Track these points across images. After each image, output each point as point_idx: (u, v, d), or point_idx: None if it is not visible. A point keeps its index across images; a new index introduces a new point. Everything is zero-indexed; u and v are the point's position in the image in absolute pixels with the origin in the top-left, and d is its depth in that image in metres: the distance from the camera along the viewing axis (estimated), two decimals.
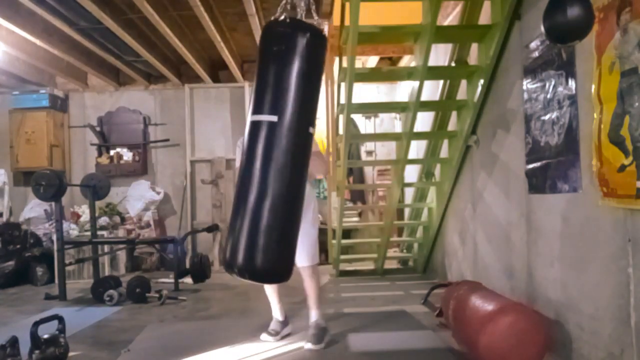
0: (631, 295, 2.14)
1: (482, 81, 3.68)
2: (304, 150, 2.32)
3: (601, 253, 2.36)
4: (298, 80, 2.24)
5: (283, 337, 3.22)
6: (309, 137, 2.33)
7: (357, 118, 7.01)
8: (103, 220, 6.37)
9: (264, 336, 3.21)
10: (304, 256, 3.02)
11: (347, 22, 3.52)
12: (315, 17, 2.56)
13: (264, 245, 2.18)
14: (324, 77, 2.73)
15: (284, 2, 2.46)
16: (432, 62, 3.84)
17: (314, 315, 3.18)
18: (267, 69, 2.29)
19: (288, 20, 2.34)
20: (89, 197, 5.46)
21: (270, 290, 3.30)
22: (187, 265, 5.40)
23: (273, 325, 3.27)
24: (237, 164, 3.00)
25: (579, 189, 2.54)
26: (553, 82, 2.78)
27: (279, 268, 2.27)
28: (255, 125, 2.25)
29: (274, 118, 2.22)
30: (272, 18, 2.43)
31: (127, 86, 7.27)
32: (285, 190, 2.22)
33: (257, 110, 2.26)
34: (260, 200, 2.19)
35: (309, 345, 3.00)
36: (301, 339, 3.21)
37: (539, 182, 2.98)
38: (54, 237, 5.08)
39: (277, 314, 3.31)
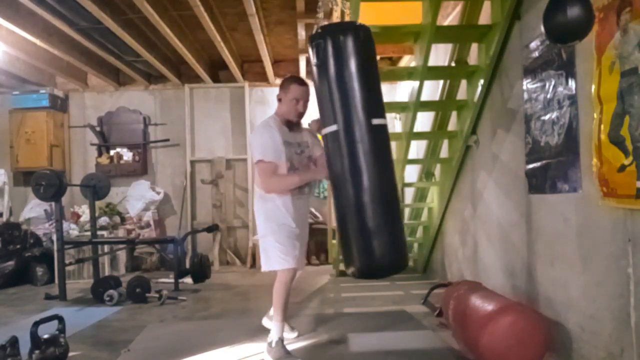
0: (631, 295, 2.14)
1: (482, 81, 3.68)
2: (385, 143, 2.51)
3: (601, 253, 2.36)
4: (357, 79, 2.40)
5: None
6: (385, 128, 2.51)
7: None
8: (103, 220, 6.37)
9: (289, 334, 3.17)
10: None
11: None
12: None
13: (377, 241, 2.38)
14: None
15: (319, 14, 2.59)
16: (432, 62, 3.84)
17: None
18: (341, 77, 2.41)
19: (319, 30, 2.49)
20: (89, 197, 5.46)
21: (284, 304, 2.91)
22: (187, 265, 5.41)
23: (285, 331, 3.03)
24: (270, 156, 2.79)
25: (579, 189, 2.54)
26: (553, 82, 2.78)
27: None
28: (334, 135, 2.43)
29: (334, 127, 2.41)
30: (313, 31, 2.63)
31: (127, 86, 7.27)
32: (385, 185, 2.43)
33: (333, 119, 2.43)
34: (362, 200, 2.38)
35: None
36: (300, 339, 3.22)
37: (539, 182, 2.98)
38: (54, 237, 5.08)
39: (281, 333, 2.91)
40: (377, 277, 2.77)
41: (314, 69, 2.49)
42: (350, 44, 2.40)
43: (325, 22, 2.54)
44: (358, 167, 2.38)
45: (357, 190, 2.38)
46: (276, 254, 2.85)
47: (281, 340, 2.86)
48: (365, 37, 2.47)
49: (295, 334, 3.26)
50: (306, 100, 2.90)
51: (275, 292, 2.88)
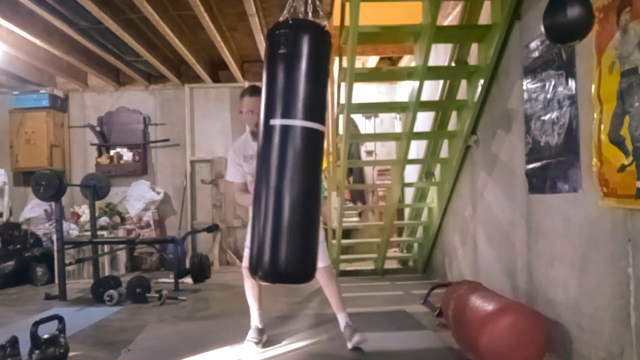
0: (631, 295, 2.14)
1: (482, 81, 3.68)
2: (317, 150, 2.36)
3: (601, 253, 2.36)
4: (305, 81, 2.27)
5: (264, 345, 3.08)
6: (322, 136, 2.38)
7: (357, 118, 7.01)
8: (103, 220, 6.37)
9: (247, 345, 3.04)
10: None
11: (347, 22, 3.52)
12: (320, 14, 2.57)
13: (286, 247, 2.22)
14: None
15: (289, 3, 2.45)
16: (432, 62, 3.84)
17: (342, 318, 3.04)
18: (274, 73, 2.31)
19: (290, 21, 2.34)
20: (89, 197, 5.46)
21: (252, 294, 3.14)
22: (187, 265, 5.41)
23: (253, 334, 3.08)
24: (230, 177, 3.11)
25: (579, 189, 2.54)
26: (553, 82, 2.78)
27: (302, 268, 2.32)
28: (269, 130, 2.29)
29: (287, 122, 2.25)
30: (278, 20, 2.43)
31: (127, 86, 7.27)
32: (303, 190, 2.26)
33: (269, 114, 2.29)
34: (279, 203, 2.22)
35: (355, 338, 2.90)
36: (300, 339, 3.22)
37: (539, 182, 2.98)
38: (54, 237, 5.08)
39: (256, 320, 3.13)
40: (278, 282, 2.53)
41: (279, 57, 2.30)
42: (314, 42, 2.30)
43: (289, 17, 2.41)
44: (285, 167, 2.25)
45: (278, 190, 2.25)
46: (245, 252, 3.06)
47: (256, 327, 3.10)
48: (327, 41, 2.40)
49: (265, 335, 3.17)
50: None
51: (334, 286, 3.08)
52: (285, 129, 2.27)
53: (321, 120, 2.36)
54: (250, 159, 2.93)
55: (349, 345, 2.93)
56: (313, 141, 2.32)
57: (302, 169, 2.27)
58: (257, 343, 3.05)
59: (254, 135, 2.91)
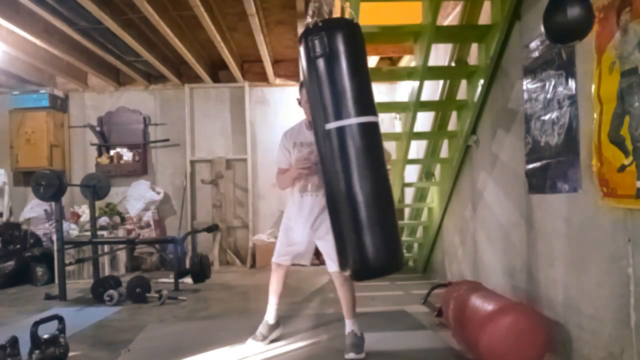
0: (631, 295, 2.14)
1: (482, 81, 3.68)
2: (377, 142, 2.45)
3: (601, 253, 2.36)
4: (349, 77, 2.35)
5: (271, 342, 3.10)
6: (377, 127, 2.46)
7: None
8: (103, 220, 6.37)
9: (250, 342, 3.06)
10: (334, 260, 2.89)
11: None
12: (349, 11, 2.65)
13: (371, 243, 2.34)
14: None
15: (311, 5, 2.53)
16: (432, 62, 3.84)
17: (349, 325, 2.97)
18: (316, 77, 2.39)
19: (320, 23, 2.41)
20: (89, 197, 5.46)
21: (274, 289, 3.15)
22: (187, 265, 5.40)
23: (262, 329, 3.11)
24: (277, 162, 3.10)
25: (579, 189, 2.54)
26: (553, 82, 2.78)
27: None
28: (325, 134, 2.39)
29: (341, 123, 2.34)
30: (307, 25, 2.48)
31: (127, 86, 7.27)
32: (373, 184, 2.36)
33: (324, 119, 2.39)
34: (353, 203, 2.34)
35: (351, 355, 2.81)
36: (300, 339, 3.22)
37: (539, 182, 2.98)
38: (54, 237, 5.08)
39: (270, 316, 3.14)
40: (371, 278, 2.72)
41: (318, 59, 2.38)
42: (352, 41, 2.40)
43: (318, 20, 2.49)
44: (350, 166, 2.35)
45: (349, 189, 2.35)
46: (277, 245, 3.15)
47: (266, 322, 3.13)
48: (361, 36, 2.51)
49: (277, 331, 3.21)
50: None
51: (350, 291, 3.00)
52: (342, 130, 2.34)
53: (373, 111, 2.45)
54: (300, 145, 2.96)
55: (345, 355, 2.83)
56: (371, 134, 2.40)
57: (366, 165, 2.35)
58: (263, 339, 3.07)
59: (311, 125, 2.85)
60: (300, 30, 5.38)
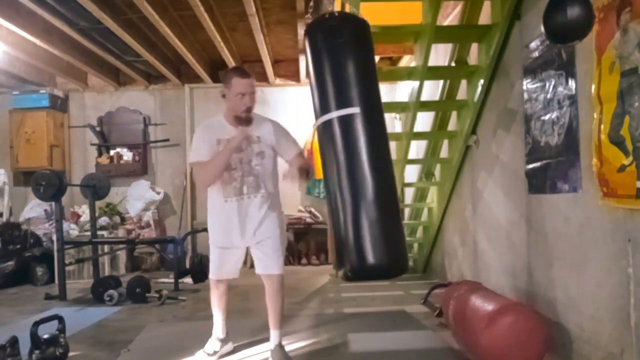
0: (631, 295, 2.14)
1: (482, 81, 3.68)
2: (384, 138, 2.40)
3: (601, 253, 2.36)
4: (356, 70, 2.33)
5: (221, 357, 2.92)
6: (383, 121, 2.41)
7: None
8: (103, 220, 6.37)
9: (200, 354, 2.89)
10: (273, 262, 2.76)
11: None
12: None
13: (371, 243, 2.23)
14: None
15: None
16: (432, 62, 3.84)
17: (275, 337, 2.78)
18: (321, 68, 2.36)
19: (336, 13, 2.43)
20: (89, 197, 5.46)
21: (218, 305, 2.99)
22: (187, 265, 5.41)
23: (212, 343, 2.92)
24: (197, 156, 2.74)
25: (579, 189, 2.54)
26: (553, 82, 2.78)
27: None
28: (327, 125, 2.33)
29: (352, 110, 2.27)
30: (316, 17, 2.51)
31: (127, 86, 7.27)
32: (376, 181, 2.27)
33: (327, 108, 2.33)
34: (355, 199, 2.24)
35: None
36: (300, 339, 3.22)
37: (539, 182, 2.98)
38: (54, 237, 5.08)
39: (218, 331, 2.96)
40: (371, 278, 2.59)
41: (333, 47, 2.35)
42: (363, 34, 2.40)
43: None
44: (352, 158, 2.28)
45: (354, 186, 2.26)
46: (211, 263, 2.97)
47: (216, 337, 2.95)
48: (368, 30, 2.51)
49: (228, 346, 3.01)
50: (252, 93, 2.69)
51: (282, 298, 2.81)
52: (345, 120, 2.28)
53: (379, 106, 2.40)
54: (226, 142, 2.68)
55: None
56: (375, 127, 2.33)
57: (370, 159, 2.27)
58: (214, 353, 2.89)
59: (239, 120, 2.69)
60: (301, 30, 5.38)
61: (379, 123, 2.37)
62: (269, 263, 2.75)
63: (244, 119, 2.71)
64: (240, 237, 2.76)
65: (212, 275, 2.96)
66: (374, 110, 2.35)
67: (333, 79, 2.33)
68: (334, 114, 2.30)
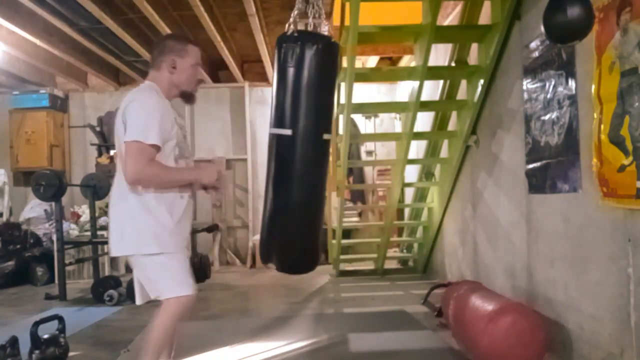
0: (631, 295, 2.14)
1: (482, 81, 3.68)
2: (322, 157, 2.61)
3: (601, 253, 2.36)
4: (309, 91, 2.46)
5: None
6: (325, 144, 2.57)
7: (357, 118, 7.01)
8: (103, 220, 6.35)
9: None
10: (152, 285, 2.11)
11: (347, 22, 3.51)
12: (325, 23, 2.68)
13: (292, 245, 2.59)
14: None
15: (294, 13, 2.54)
16: (432, 62, 3.84)
17: None
18: (280, 83, 2.52)
19: (296, 33, 2.46)
20: (89, 197, 5.46)
21: (167, 341, 2.22)
22: None
23: None
24: (155, 138, 2.06)
25: (579, 189, 2.54)
26: (553, 82, 2.78)
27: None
28: (273, 138, 2.56)
29: (288, 132, 2.47)
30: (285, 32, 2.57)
31: (127, 86, 7.26)
32: (304, 191, 2.55)
33: (275, 124, 2.54)
34: (285, 205, 2.55)
35: None
36: (300, 339, 3.22)
37: (539, 182, 2.98)
38: (54, 237, 5.08)
39: None
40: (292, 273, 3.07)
41: (289, 69, 2.47)
42: (321, 56, 2.46)
43: (299, 27, 2.58)
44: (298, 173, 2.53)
45: (288, 195, 2.54)
46: (171, 274, 2.13)
47: None
48: (335, 52, 2.57)
49: None
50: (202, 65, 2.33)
51: (156, 330, 2.09)
52: (279, 137, 2.50)
53: (327, 129, 2.56)
54: (178, 125, 2.23)
55: None
56: (316, 149, 2.53)
57: (306, 176, 2.52)
58: None
59: (187, 98, 2.29)
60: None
61: (316, 145, 2.53)
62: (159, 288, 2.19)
63: (193, 97, 2.31)
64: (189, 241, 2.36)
65: (187, 288, 2.14)
66: (315, 130, 2.50)
67: (276, 98, 2.54)
68: (272, 130, 2.55)
